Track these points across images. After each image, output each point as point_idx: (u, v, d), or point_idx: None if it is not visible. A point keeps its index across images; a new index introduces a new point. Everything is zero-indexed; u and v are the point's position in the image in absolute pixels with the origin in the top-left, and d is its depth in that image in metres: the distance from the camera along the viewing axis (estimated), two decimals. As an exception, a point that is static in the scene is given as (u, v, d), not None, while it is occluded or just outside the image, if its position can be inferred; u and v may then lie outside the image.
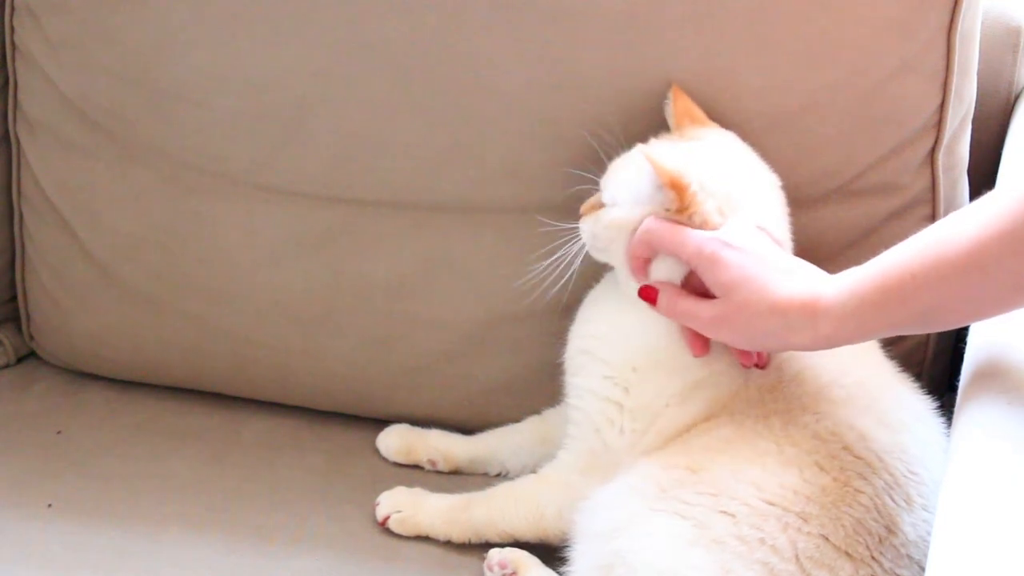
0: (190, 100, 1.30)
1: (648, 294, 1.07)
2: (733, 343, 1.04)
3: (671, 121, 1.15)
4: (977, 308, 0.91)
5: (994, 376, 0.90)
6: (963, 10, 1.15)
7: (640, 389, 1.09)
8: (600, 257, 1.13)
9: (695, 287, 1.05)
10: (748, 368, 1.06)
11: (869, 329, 0.95)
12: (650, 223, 1.05)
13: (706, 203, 1.04)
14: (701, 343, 1.06)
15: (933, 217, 1.22)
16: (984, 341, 0.95)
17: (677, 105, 1.14)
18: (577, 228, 1.13)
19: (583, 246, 1.12)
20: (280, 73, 1.27)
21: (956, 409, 0.91)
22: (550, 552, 1.14)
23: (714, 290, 1.01)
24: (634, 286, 1.09)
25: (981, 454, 0.82)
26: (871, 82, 1.17)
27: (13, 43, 1.37)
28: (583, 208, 1.14)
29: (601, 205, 1.11)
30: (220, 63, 1.28)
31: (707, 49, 1.16)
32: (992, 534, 0.73)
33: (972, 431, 0.85)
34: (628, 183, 1.09)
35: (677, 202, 1.04)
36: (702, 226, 1.04)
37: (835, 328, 0.94)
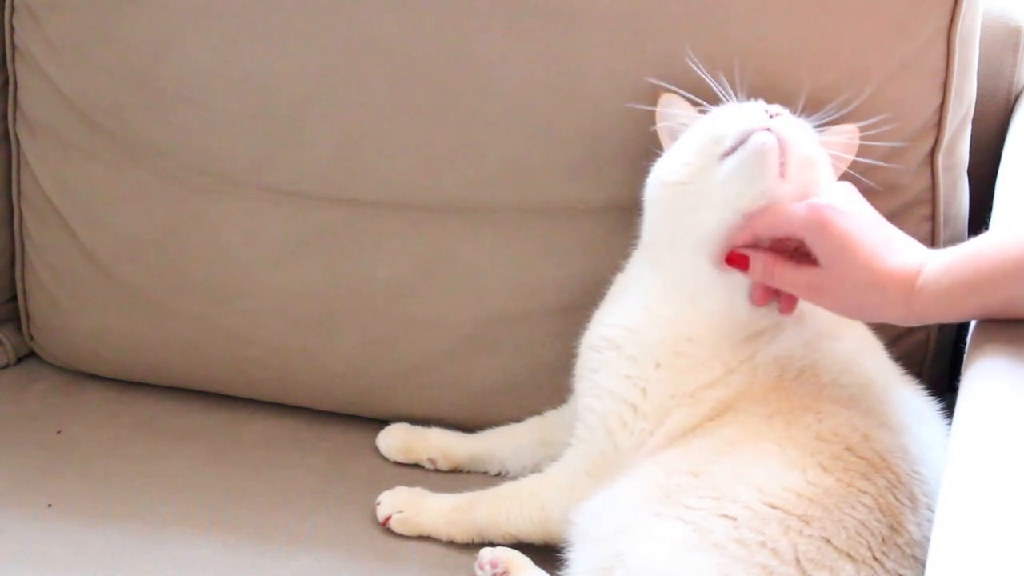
0: (190, 100, 1.30)
1: (738, 260, 1.05)
2: (829, 309, 1.03)
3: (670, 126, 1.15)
4: None
5: (994, 376, 0.90)
6: (963, 10, 1.16)
7: (657, 389, 1.09)
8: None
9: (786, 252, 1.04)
10: (785, 314, 1.07)
11: (959, 310, 0.94)
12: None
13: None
14: (788, 302, 1.06)
15: (933, 217, 1.22)
16: (984, 341, 0.95)
17: None
18: None
19: None
20: (280, 73, 1.27)
21: (956, 407, 0.91)
22: (544, 553, 1.14)
23: (819, 256, 1.00)
24: (686, 268, 1.08)
25: (980, 453, 0.82)
26: (871, 82, 1.17)
27: (13, 43, 1.37)
28: None
29: None
30: (220, 63, 1.28)
31: (707, 50, 1.16)
32: (992, 529, 0.73)
33: (972, 429, 0.85)
34: None
35: None
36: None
37: (926, 306, 0.94)
